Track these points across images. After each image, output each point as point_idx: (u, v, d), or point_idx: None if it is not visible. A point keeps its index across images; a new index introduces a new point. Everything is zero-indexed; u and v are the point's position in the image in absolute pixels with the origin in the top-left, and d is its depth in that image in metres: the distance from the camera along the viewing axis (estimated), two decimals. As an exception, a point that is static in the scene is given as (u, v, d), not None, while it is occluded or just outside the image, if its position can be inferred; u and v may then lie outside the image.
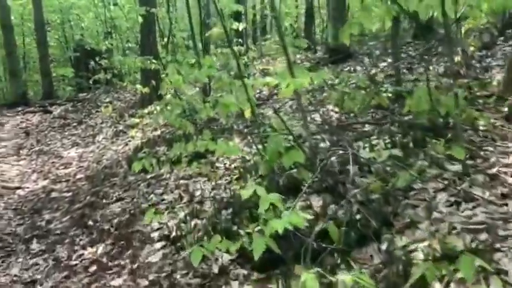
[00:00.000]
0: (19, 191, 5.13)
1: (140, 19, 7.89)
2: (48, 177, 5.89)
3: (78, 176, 5.55)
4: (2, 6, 11.55)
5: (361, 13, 3.21)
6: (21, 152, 7.62)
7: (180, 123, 4.94)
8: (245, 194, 2.28)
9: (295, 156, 2.79)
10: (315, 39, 10.99)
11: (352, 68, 7.44)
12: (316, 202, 2.72)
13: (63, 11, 16.02)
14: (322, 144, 3.74)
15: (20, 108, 10.93)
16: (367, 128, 4.31)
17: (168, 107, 7.39)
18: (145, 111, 7.59)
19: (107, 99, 10.43)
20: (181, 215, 3.21)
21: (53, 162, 6.78)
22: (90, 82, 12.52)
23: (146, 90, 8.11)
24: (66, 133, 8.54)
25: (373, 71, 6.91)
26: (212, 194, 3.44)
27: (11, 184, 5.47)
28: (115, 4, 14.75)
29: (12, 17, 12.52)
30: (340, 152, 3.21)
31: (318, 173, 2.73)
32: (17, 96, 11.61)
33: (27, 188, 5.24)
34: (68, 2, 14.74)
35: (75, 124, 9.04)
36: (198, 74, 3.84)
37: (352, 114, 5.17)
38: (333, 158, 3.18)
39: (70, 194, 4.75)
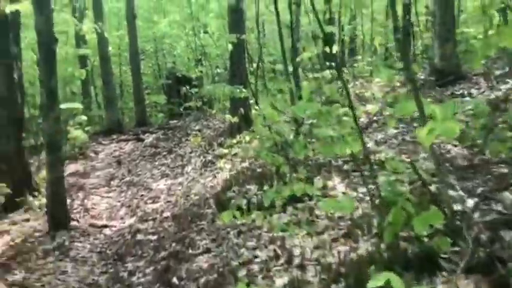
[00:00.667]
0: (106, 230, 4.91)
1: (230, 46, 7.62)
2: (136, 213, 5.66)
3: (165, 214, 5.23)
4: (101, 39, 12.07)
5: (506, 29, 2.49)
6: (112, 182, 7.60)
7: (271, 158, 4.44)
8: (372, 285, 1.65)
9: (430, 218, 2.11)
10: (417, 59, 10.06)
11: (465, 92, 6.50)
12: (465, 287, 2.00)
13: (157, 41, 16.62)
14: (451, 192, 2.98)
15: (114, 136, 11.21)
16: (504, 169, 3.47)
17: (258, 137, 6.96)
18: (234, 141, 7.22)
19: (197, 127, 10.31)
20: (279, 284, 2.64)
21: (141, 195, 6.61)
22: (181, 109, 12.68)
23: (235, 119, 7.78)
24: (157, 163, 8.45)
25: (493, 95, 5.94)
26: (315, 256, 2.83)
27: (99, 221, 5.29)
28: (205, 32, 14.94)
29: (110, 48, 13.08)
30: (486, 208, 2.46)
31: (467, 245, 2.01)
32: (113, 123, 11.97)
33: (114, 227, 5.01)
34: (160, 32, 15.19)
35: (165, 153, 8.95)
36: (296, 109, 3.30)
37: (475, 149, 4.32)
38: (476, 215, 2.43)
39: (155, 237, 4.41)
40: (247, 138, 7.22)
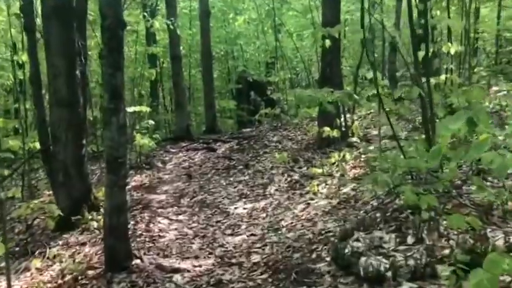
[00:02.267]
0: (177, 277, 3.67)
1: (328, 42, 6.24)
2: (214, 249, 4.41)
3: (254, 258, 3.93)
4: (172, 38, 11.13)
5: None
6: (181, 201, 6.45)
7: (415, 198, 3.00)
8: None
9: None
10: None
11: None
12: None
13: (228, 42, 15.59)
14: None
15: (183, 144, 10.16)
16: None
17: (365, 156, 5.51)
18: (332, 159, 5.82)
19: (275, 138, 9.02)
20: None
21: (217, 222, 5.37)
22: (256, 117, 11.48)
23: (329, 131, 6.40)
24: (232, 178, 7.22)
25: None
26: None
27: (167, 260, 4.08)
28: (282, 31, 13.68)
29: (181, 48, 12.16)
30: None
31: None
32: (181, 129, 10.96)
33: (187, 271, 3.77)
34: (234, 32, 14.13)
35: (241, 167, 7.71)
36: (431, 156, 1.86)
37: None
38: None
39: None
40: (348, 156, 5.80)
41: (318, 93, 6.03)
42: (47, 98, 6.35)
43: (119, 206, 3.70)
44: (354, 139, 6.38)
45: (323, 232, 4.01)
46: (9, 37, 7.24)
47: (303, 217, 4.78)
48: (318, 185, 5.72)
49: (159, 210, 6.02)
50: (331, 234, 3.88)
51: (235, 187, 6.78)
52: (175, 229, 5.22)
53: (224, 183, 7.05)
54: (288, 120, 10.35)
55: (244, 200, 6.10)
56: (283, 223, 4.78)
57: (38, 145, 6.19)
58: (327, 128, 6.67)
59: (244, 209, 5.74)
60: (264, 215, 5.31)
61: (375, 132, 7.48)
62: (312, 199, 5.37)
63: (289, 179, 6.46)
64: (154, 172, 8.13)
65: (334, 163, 5.82)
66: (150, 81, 15.20)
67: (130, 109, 7.56)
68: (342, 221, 4.16)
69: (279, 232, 4.48)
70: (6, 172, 7.29)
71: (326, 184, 5.70)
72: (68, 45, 5.60)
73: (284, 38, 13.08)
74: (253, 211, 5.57)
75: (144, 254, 4.22)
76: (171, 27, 10.14)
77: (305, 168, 6.75)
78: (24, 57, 6.53)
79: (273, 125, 10.23)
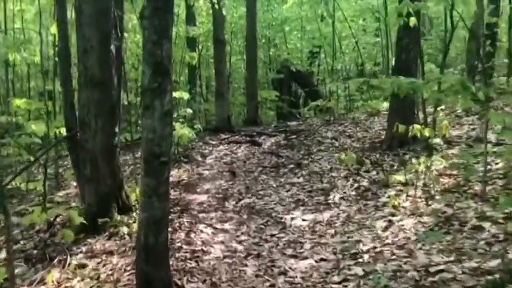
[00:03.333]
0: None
1: (414, 20, 5.08)
2: (274, 277, 3.40)
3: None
4: (216, 20, 10.14)
5: None
6: (226, 203, 5.48)
7: None
8: None
9: None
10: None
11: None
12: None
13: (274, 27, 14.52)
14: None
15: (223, 136, 9.21)
16: None
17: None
18: (415, 165, 4.71)
19: (329, 134, 7.93)
20: None
21: (272, 236, 4.36)
22: (302, 109, 10.41)
23: (405, 128, 5.31)
24: (282, 179, 6.20)
25: None
26: None
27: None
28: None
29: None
30: None
31: None
32: (222, 120, 10.00)
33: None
34: (282, 16, 13.02)
35: (292, 166, 6.68)
36: None
37: None
38: None
39: None
40: (438, 161, 4.67)
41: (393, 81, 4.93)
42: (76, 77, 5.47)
43: (158, 221, 2.73)
44: (437, 140, 5.24)
45: (432, 271, 2.93)
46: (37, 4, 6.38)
47: (389, 241, 3.71)
48: (397, 195, 4.64)
49: (201, 215, 5.06)
50: (448, 276, 2.80)
51: (287, 190, 5.75)
52: (222, 242, 4.24)
53: (274, 185, 6.04)
54: (342, 114, 9.23)
55: (302, 208, 5.07)
56: (362, 246, 3.72)
57: (64, 131, 5.34)
58: (402, 126, 5.54)
59: (304, 220, 4.71)
60: (332, 231, 4.26)
61: (457, 132, 6.30)
62: (393, 215, 4.29)
63: (356, 185, 5.39)
64: (194, 167, 7.20)
65: (417, 170, 4.69)
66: (188, 67, 14.34)
67: (175, 94, 6.65)
68: (455, 254, 3.06)
69: (360, 260, 3.43)
70: (31, 158, 6.52)
71: (407, 196, 4.61)
72: (103, 14, 4.69)
73: (337, 24, 11.87)
74: (315, 224, 4.53)
75: (187, 281, 3.25)
76: (216, 6, 9.16)
77: (374, 172, 5.67)
78: (53, 28, 5.65)
79: (324, 119, 9.13)
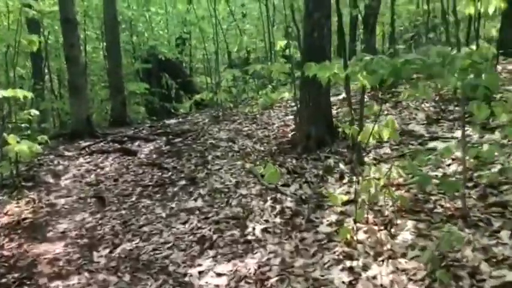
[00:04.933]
0: None
1: None
2: None
3: None
4: (63, -5, 7.87)
5: None
6: (95, 255, 3.65)
7: None
8: None
9: None
10: None
11: None
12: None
13: (135, 10, 12.53)
14: None
15: (84, 143, 7.12)
16: None
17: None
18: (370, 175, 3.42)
19: (223, 135, 6.40)
20: None
21: (178, 317, 2.72)
22: (175, 104, 8.74)
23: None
24: (173, 204, 4.53)
25: None
26: None
27: None
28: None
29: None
30: None
31: None
32: (80, 122, 7.82)
33: None
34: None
35: (183, 183, 5.04)
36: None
37: None
38: None
39: None
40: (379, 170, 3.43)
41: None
42: None
43: None
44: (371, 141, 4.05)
45: None
46: None
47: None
48: (341, 223, 3.33)
49: (54, 284, 3.18)
50: None
51: (184, 223, 4.10)
52: None
53: (163, 214, 4.34)
54: (230, 108, 7.77)
55: (211, 252, 3.47)
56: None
57: None
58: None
59: (219, 275, 3.14)
60: (269, 296, 2.77)
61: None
62: (350, 257, 2.94)
63: (278, 207, 3.96)
64: (42, 194, 5.13)
65: (369, 181, 3.40)
66: (31, 58, 11.59)
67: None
68: None
69: None
70: None
71: (356, 222, 3.31)
72: None
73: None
74: (239, 282, 3.00)
75: None
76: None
77: (296, 186, 4.30)
78: None
79: (212, 115, 7.58)
